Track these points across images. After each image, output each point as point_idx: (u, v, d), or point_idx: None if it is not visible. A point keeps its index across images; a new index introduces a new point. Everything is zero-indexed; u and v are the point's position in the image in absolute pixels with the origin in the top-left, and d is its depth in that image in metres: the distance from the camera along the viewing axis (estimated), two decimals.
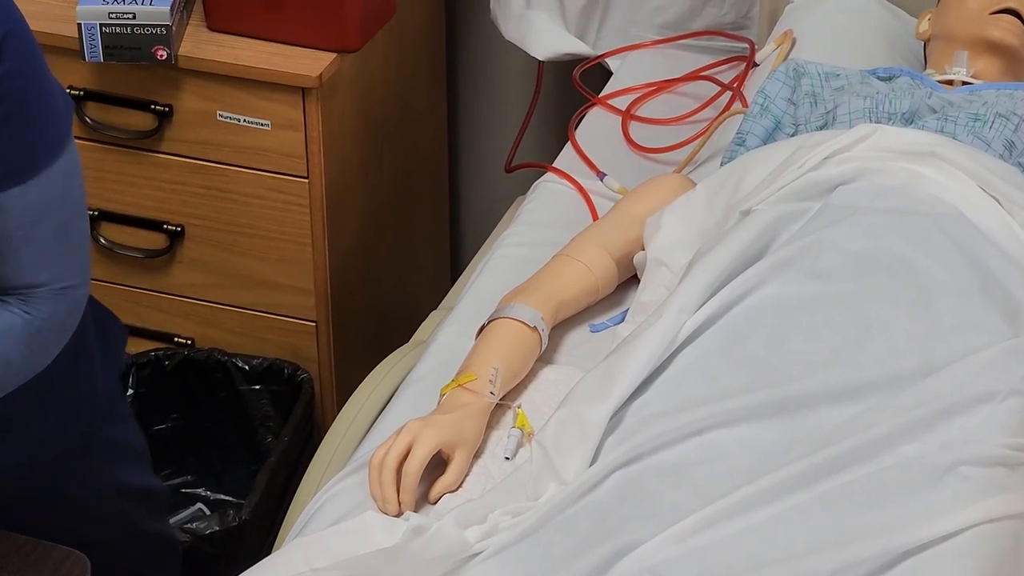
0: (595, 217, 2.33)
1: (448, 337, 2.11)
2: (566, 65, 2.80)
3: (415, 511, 1.79)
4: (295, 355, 2.65)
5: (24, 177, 1.64)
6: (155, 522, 2.18)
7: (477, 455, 1.88)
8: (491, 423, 1.92)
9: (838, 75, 2.20)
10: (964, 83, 2.19)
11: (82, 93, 2.51)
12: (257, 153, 2.50)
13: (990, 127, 2.04)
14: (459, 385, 1.90)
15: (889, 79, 2.20)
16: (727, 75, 2.62)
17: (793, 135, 2.16)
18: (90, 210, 2.56)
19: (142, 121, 2.52)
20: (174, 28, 2.41)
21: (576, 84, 2.68)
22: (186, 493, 2.72)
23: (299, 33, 2.45)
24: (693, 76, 2.65)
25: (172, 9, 2.40)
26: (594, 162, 2.46)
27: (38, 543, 1.87)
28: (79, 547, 1.92)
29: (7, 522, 1.92)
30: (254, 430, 2.67)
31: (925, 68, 2.30)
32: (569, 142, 2.54)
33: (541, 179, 2.46)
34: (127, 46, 2.40)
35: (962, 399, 1.71)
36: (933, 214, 1.90)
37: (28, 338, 1.71)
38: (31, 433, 1.85)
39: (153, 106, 2.50)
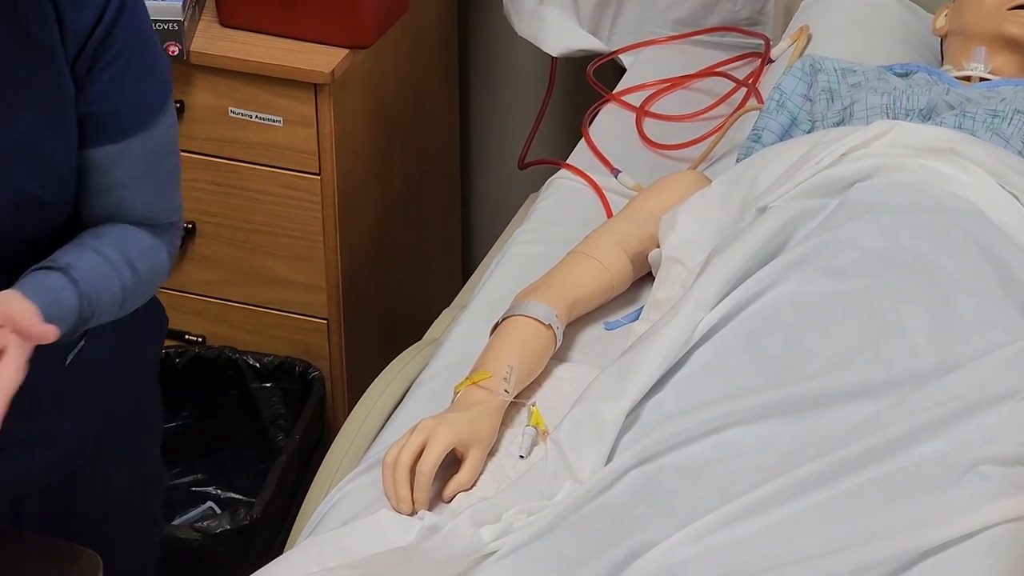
0: (609, 214, 2.31)
1: (461, 335, 2.10)
2: (579, 61, 2.78)
3: (429, 510, 1.78)
4: (307, 353, 2.64)
5: (151, 121, 1.71)
6: (160, 507, 2.17)
7: (491, 453, 1.87)
8: (505, 421, 1.91)
9: (855, 71, 2.18)
10: (982, 79, 2.17)
11: None
12: (269, 149, 2.49)
13: (1009, 123, 2.03)
14: (473, 383, 1.89)
15: (906, 75, 2.19)
16: (742, 71, 2.61)
17: (810, 131, 2.15)
18: None
19: None
20: (186, 24, 2.40)
21: (590, 80, 2.67)
22: (196, 492, 2.71)
23: (312, 29, 2.44)
24: (708, 72, 2.63)
25: (184, 5, 2.39)
26: (608, 159, 2.44)
27: (51, 542, 1.85)
28: (95, 535, 1.91)
29: (28, 513, 1.91)
30: (265, 428, 2.66)
31: (942, 64, 2.29)
32: (583, 139, 2.52)
33: (555, 176, 2.45)
34: None
35: (981, 398, 1.70)
36: (952, 211, 1.89)
37: (168, 255, 1.79)
38: (75, 408, 1.85)
39: None
